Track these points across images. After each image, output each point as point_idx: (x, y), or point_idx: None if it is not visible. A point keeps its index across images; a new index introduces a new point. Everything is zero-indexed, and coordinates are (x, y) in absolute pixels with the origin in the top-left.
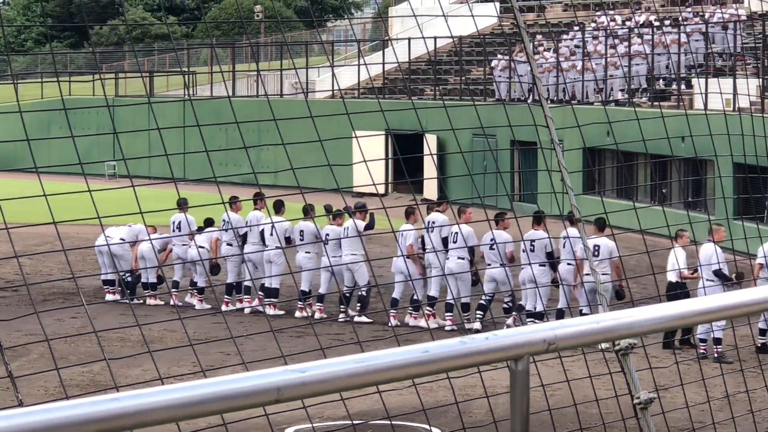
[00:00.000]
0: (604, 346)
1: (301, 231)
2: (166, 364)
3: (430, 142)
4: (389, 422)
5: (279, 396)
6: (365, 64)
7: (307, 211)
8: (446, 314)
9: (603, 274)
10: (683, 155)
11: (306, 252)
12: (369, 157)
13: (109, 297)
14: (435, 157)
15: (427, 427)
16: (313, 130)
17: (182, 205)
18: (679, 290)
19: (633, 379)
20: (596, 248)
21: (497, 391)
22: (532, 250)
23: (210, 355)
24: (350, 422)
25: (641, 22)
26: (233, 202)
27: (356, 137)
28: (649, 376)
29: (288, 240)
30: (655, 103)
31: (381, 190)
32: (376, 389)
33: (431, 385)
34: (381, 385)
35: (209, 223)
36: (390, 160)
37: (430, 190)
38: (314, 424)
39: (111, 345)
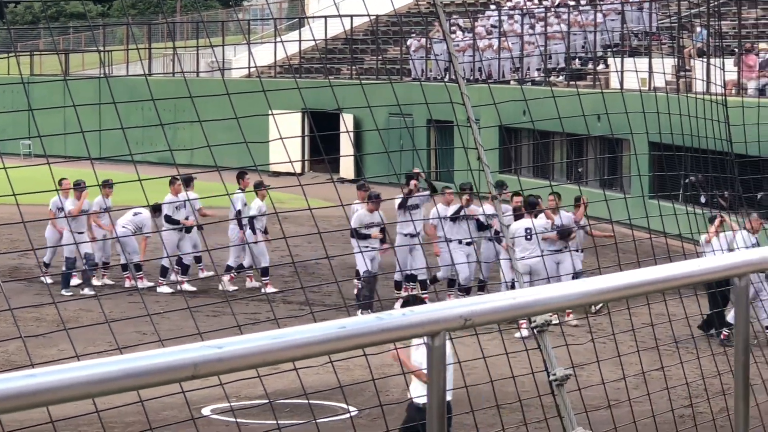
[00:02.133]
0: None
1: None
2: (81, 345)
3: (347, 121)
4: (306, 401)
5: (196, 372)
6: (281, 41)
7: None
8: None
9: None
10: (599, 134)
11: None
12: (286, 137)
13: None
14: (351, 135)
15: (344, 405)
16: (229, 109)
17: (188, 182)
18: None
19: (549, 356)
20: (528, 231)
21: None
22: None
23: (126, 335)
24: (267, 401)
25: (557, 2)
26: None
27: (273, 114)
28: (565, 354)
29: None
30: (572, 83)
31: (298, 169)
32: (293, 367)
33: (348, 363)
34: (298, 364)
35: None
36: (306, 140)
37: (347, 168)
38: (231, 403)
39: (26, 325)
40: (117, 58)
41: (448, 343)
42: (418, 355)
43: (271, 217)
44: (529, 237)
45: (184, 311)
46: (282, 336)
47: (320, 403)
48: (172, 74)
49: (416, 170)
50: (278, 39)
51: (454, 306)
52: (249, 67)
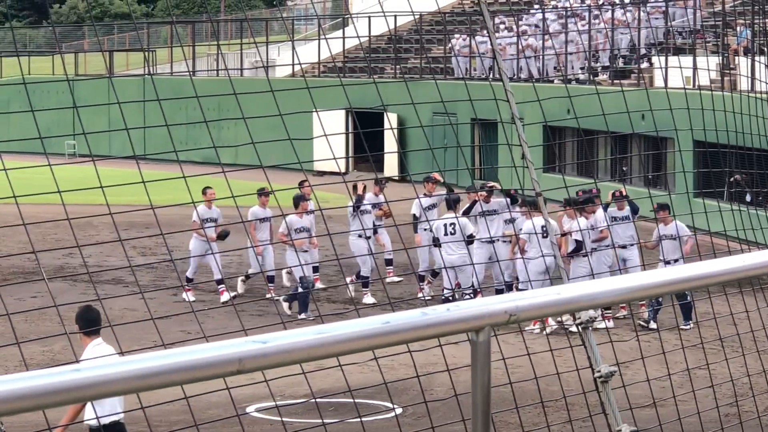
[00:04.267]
0: (565, 318)
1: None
2: (126, 343)
3: (391, 120)
4: (351, 399)
5: (241, 366)
6: (326, 38)
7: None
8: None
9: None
10: (643, 132)
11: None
12: (330, 134)
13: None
14: (396, 133)
15: (388, 404)
16: (273, 108)
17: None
18: None
19: (594, 353)
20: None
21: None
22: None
23: (171, 334)
24: (312, 399)
25: (601, 1)
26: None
27: (317, 111)
28: (609, 352)
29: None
30: (616, 81)
31: (342, 167)
32: (338, 364)
33: (392, 363)
34: (342, 362)
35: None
36: (350, 139)
37: (391, 167)
38: (276, 403)
39: (71, 325)
40: (161, 57)
41: None
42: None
43: (318, 217)
44: (545, 235)
45: (228, 311)
46: (326, 331)
47: (364, 402)
48: (216, 73)
49: (435, 175)
50: (322, 37)
51: (499, 301)
52: (293, 64)
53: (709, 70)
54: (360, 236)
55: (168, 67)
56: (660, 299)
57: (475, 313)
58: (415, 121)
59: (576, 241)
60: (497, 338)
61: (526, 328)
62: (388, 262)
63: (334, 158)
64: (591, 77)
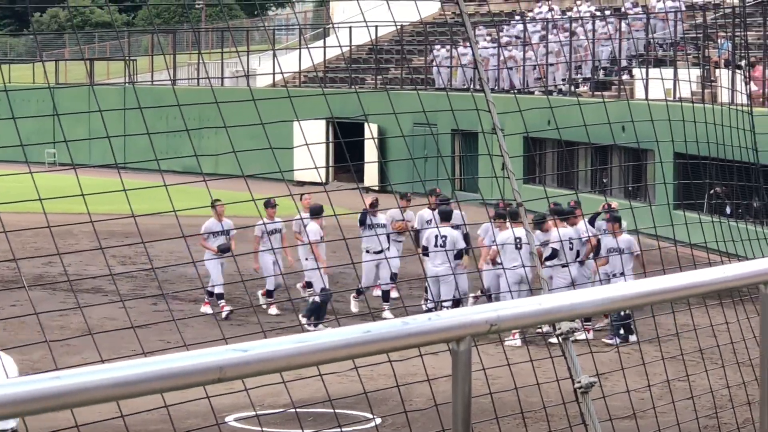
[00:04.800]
0: (545, 329)
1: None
2: (105, 353)
3: (372, 131)
4: (330, 409)
5: (221, 375)
6: (307, 48)
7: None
8: None
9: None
10: (624, 143)
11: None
12: (311, 143)
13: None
14: (376, 144)
15: (368, 415)
16: (253, 118)
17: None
18: None
19: (574, 364)
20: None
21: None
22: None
23: (150, 343)
24: (292, 408)
25: (581, 13)
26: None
27: (298, 120)
28: (589, 363)
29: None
30: (596, 93)
31: (323, 177)
32: (318, 374)
33: (372, 373)
34: (322, 372)
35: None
36: (331, 149)
37: (371, 177)
38: (256, 412)
39: (51, 333)
40: (142, 66)
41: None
42: None
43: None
44: (518, 246)
45: (208, 320)
46: (307, 340)
47: (344, 412)
48: (197, 83)
49: (437, 190)
50: (303, 47)
51: (480, 311)
52: (274, 74)
53: (690, 82)
54: (368, 251)
55: (149, 76)
56: (626, 312)
57: (456, 323)
58: (395, 131)
59: (552, 248)
60: (477, 349)
61: (507, 341)
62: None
63: (315, 168)
64: (572, 88)
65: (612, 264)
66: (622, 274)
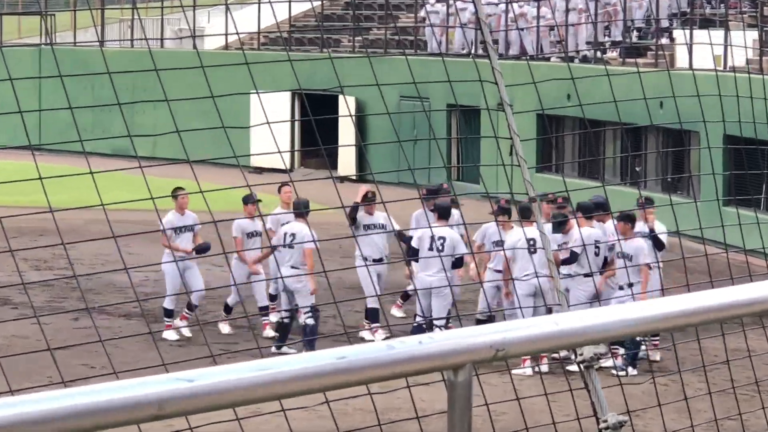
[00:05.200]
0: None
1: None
2: (14, 381)
3: (349, 106)
4: None
5: (160, 411)
6: (268, 1)
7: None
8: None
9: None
10: (662, 123)
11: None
12: (272, 122)
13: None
14: (354, 122)
15: None
16: (201, 88)
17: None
18: None
19: (599, 398)
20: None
21: (428, 413)
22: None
23: (71, 368)
24: None
25: None
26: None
27: (256, 93)
28: (618, 397)
29: None
30: (628, 60)
31: (287, 163)
32: (280, 408)
33: (347, 408)
34: (286, 406)
35: None
36: (297, 129)
37: (347, 163)
38: None
39: None
40: (62, 23)
41: None
42: None
43: (257, 224)
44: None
45: (143, 340)
46: (267, 368)
47: None
48: (131, 44)
49: (445, 185)
50: (264, 0)
51: (483, 333)
52: (227, 34)
53: (745, 47)
54: (365, 259)
55: (70, 36)
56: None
57: (454, 348)
58: (378, 106)
59: (572, 251)
60: (479, 378)
61: (515, 370)
62: (405, 296)
63: (279, 152)
64: (598, 54)
65: (621, 272)
66: (630, 285)
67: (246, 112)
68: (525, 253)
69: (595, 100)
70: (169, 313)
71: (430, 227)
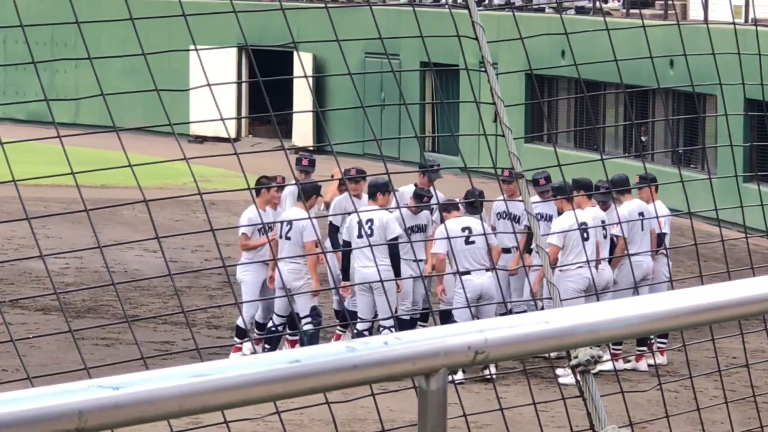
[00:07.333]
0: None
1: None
2: None
3: (304, 64)
4: None
5: (81, 423)
6: None
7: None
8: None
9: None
10: (672, 85)
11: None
12: (215, 83)
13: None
14: (311, 83)
15: None
16: (130, 43)
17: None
18: None
19: (596, 407)
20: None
21: (397, 424)
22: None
23: None
24: None
25: None
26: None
27: (196, 49)
28: (619, 405)
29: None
30: (633, 11)
31: (232, 132)
32: (223, 420)
33: (301, 418)
34: (229, 418)
35: None
36: (244, 91)
37: (303, 132)
38: None
39: None
40: None
41: None
42: None
43: (191, 203)
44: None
45: (62, 339)
46: (207, 373)
47: None
48: None
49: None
50: None
51: (460, 332)
52: None
53: None
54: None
55: None
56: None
57: (426, 349)
58: (338, 65)
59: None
60: (455, 385)
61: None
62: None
63: (222, 119)
64: (598, 5)
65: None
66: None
67: (185, 72)
68: (578, 240)
69: (593, 58)
70: (242, 333)
71: (357, 212)
